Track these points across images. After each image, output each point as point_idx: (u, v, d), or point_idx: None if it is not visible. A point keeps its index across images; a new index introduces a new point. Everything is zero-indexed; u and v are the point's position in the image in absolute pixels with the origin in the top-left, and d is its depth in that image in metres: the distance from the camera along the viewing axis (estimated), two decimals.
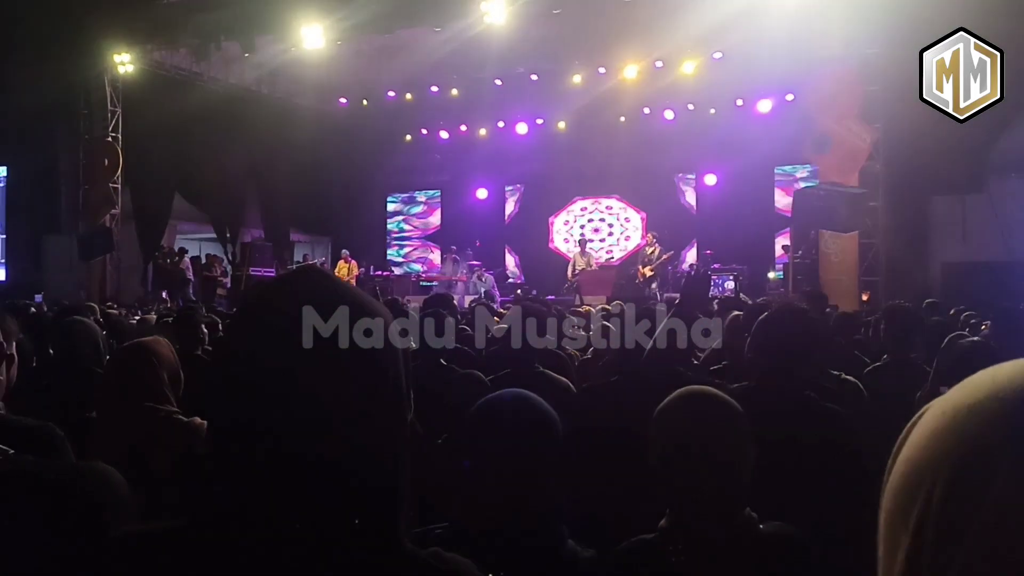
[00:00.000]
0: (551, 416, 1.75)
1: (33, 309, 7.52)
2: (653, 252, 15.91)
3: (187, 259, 17.15)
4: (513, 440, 1.68)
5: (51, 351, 4.20)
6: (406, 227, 23.16)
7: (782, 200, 18.12)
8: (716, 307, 5.43)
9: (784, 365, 2.42)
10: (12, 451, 1.77)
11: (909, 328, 4.28)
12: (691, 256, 19.15)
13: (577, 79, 17.31)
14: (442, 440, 3.06)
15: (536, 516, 1.67)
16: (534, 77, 17.86)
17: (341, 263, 18.15)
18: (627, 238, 20.55)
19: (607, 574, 1.74)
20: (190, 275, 16.78)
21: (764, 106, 17.40)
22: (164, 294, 16.56)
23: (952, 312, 6.95)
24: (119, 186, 17.00)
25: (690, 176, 19.92)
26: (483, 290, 17.26)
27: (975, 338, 4.09)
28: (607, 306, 8.16)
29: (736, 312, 3.94)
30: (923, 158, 13.14)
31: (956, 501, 0.54)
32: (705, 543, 1.71)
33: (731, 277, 15.47)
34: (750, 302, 5.51)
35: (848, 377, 2.91)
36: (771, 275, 17.13)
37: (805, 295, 6.85)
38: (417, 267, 22.31)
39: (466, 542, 1.64)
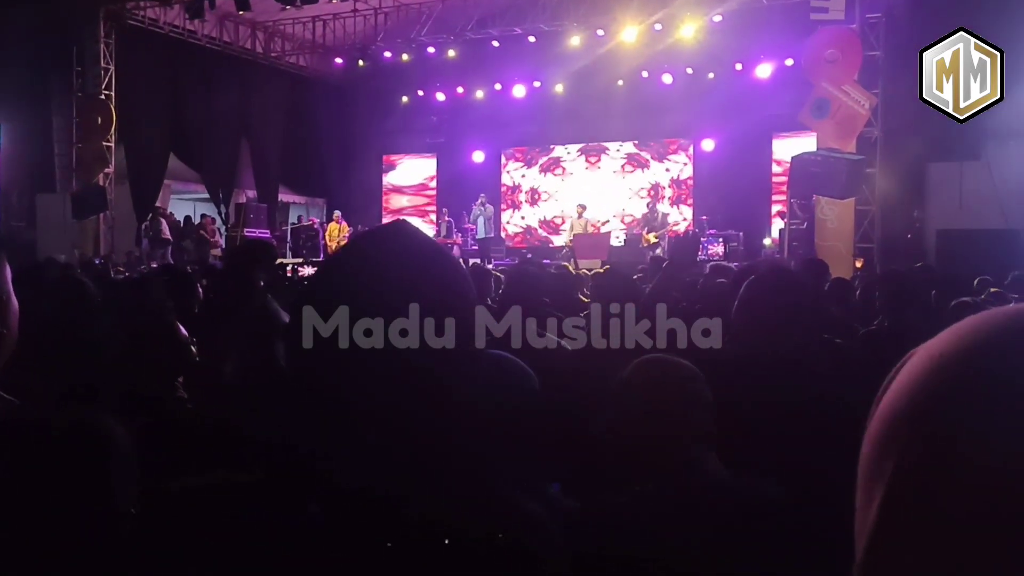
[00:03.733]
0: (528, 374, 1.78)
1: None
2: (656, 218, 15.90)
3: (162, 220, 16.83)
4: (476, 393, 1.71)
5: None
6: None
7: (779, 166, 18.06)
8: (708, 271, 5.41)
9: (769, 325, 2.41)
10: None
11: (904, 293, 4.30)
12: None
13: (575, 41, 17.12)
14: None
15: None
16: (532, 39, 17.68)
17: (332, 224, 18.10)
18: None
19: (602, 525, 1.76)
20: (166, 235, 16.52)
21: (763, 71, 17.25)
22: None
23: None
24: (112, 144, 16.88)
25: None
26: (482, 220, 17.74)
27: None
28: (599, 269, 8.15)
29: (720, 279, 3.94)
30: (921, 125, 13.06)
31: (934, 456, 0.50)
32: (667, 501, 1.73)
33: (719, 241, 15.47)
34: (733, 267, 5.49)
35: (838, 341, 2.91)
36: (767, 241, 17.13)
37: (804, 263, 6.84)
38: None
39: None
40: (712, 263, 6.31)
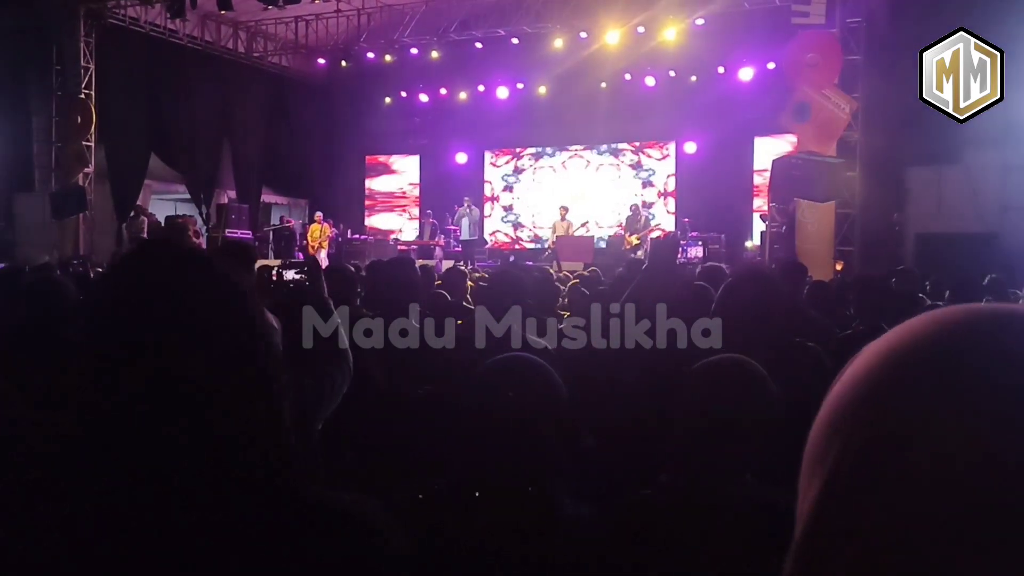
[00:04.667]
0: (552, 375, 1.82)
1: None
2: (638, 221, 15.95)
3: (143, 219, 16.72)
4: (516, 396, 1.75)
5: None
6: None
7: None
8: (698, 273, 5.43)
9: (743, 328, 2.43)
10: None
11: (878, 297, 4.33)
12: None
13: (558, 43, 17.16)
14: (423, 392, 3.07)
15: (532, 472, 1.73)
16: (515, 41, 17.70)
17: (315, 225, 18.04)
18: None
19: (605, 530, 1.77)
20: (144, 235, 16.42)
21: (745, 74, 17.34)
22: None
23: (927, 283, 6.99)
24: (92, 144, 16.75)
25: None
26: (467, 221, 17.69)
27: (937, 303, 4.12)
28: (584, 272, 8.17)
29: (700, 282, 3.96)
30: (900, 129, 13.19)
31: (874, 443, 0.51)
32: (702, 501, 1.74)
33: (699, 243, 15.56)
34: (723, 268, 5.51)
35: (811, 344, 2.93)
36: (748, 243, 17.22)
37: (781, 265, 6.88)
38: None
39: (460, 498, 1.69)
40: (709, 264, 6.33)
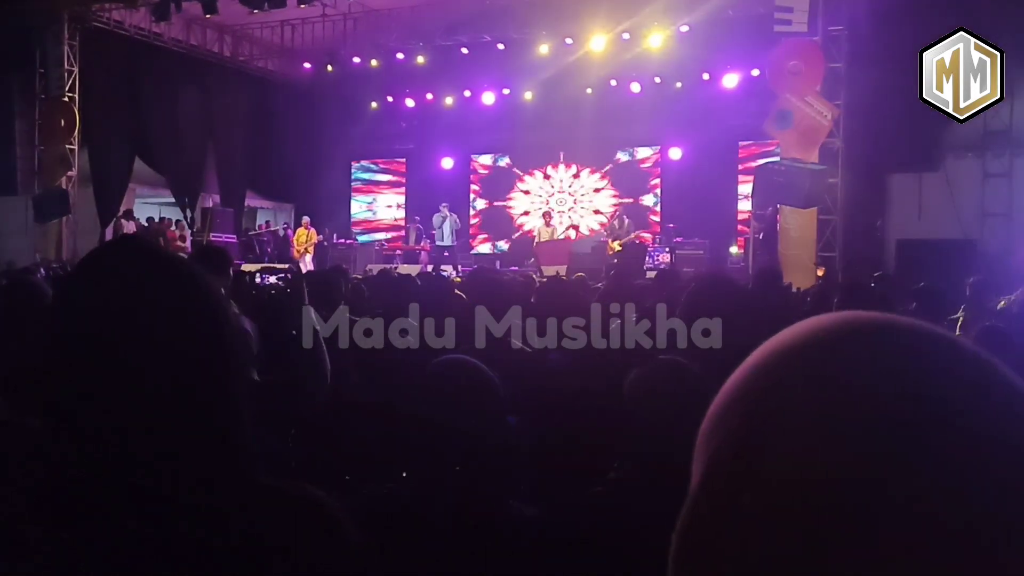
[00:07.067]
0: (493, 379, 1.85)
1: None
2: (622, 227, 15.98)
3: (130, 223, 16.66)
4: (461, 398, 1.79)
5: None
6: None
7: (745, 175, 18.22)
8: (655, 277, 5.47)
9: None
10: None
11: (860, 304, 4.36)
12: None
13: (544, 49, 17.20)
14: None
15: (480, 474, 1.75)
16: (501, 46, 17.72)
17: (301, 230, 18.00)
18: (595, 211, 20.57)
19: (553, 530, 1.78)
20: None
21: (730, 81, 17.41)
22: None
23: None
24: (76, 147, 16.67)
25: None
26: (448, 225, 17.74)
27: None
28: (563, 276, 8.18)
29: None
30: (881, 136, 13.28)
31: (739, 440, 0.50)
32: (655, 497, 1.75)
33: (666, 250, 15.72)
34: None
35: None
36: (733, 249, 17.28)
37: (756, 271, 6.93)
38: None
39: (415, 498, 1.71)
40: (662, 268, 6.40)
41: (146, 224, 17.94)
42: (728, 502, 0.49)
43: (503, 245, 21.00)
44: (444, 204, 18.30)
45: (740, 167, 18.40)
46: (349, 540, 1.05)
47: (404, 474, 1.84)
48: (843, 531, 0.44)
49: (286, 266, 13.14)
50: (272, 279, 12.82)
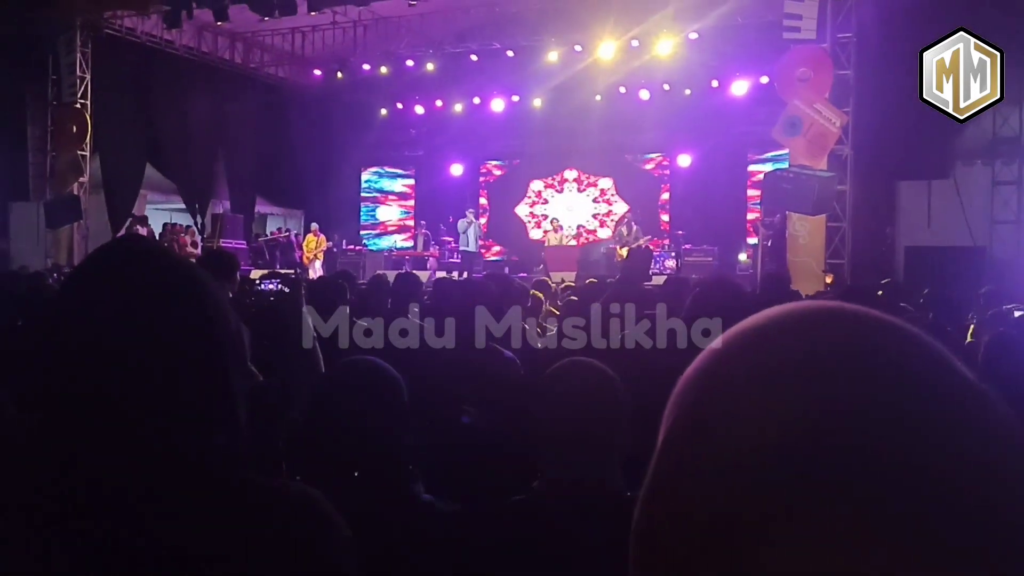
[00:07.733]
0: (396, 377, 1.98)
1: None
2: (630, 233, 15.98)
3: (139, 228, 16.73)
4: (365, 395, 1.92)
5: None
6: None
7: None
8: (664, 283, 5.47)
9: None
10: None
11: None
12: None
13: (553, 56, 17.24)
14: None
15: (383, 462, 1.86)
16: (510, 54, 17.77)
17: (310, 236, 18.08)
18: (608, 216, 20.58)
19: (475, 530, 1.81)
20: None
21: (739, 88, 17.42)
22: None
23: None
24: (87, 153, 16.79)
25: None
26: (471, 234, 17.56)
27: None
28: (570, 283, 8.22)
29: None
30: (890, 143, 13.26)
31: (683, 438, 0.53)
32: (577, 504, 1.76)
33: (672, 255, 15.72)
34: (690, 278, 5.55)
35: None
36: (741, 256, 17.24)
37: (763, 277, 6.92)
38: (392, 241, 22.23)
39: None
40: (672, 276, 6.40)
41: (161, 230, 18.05)
42: (686, 460, 0.52)
43: (511, 252, 21.02)
44: (470, 210, 18.28)
45: (749, 180, 18.41)
46: (341, 537, 1.07)
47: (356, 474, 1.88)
48: (784, 478, 0.46)
49: (289, 271, 13.19)
50: (270, 285, 12.92)
